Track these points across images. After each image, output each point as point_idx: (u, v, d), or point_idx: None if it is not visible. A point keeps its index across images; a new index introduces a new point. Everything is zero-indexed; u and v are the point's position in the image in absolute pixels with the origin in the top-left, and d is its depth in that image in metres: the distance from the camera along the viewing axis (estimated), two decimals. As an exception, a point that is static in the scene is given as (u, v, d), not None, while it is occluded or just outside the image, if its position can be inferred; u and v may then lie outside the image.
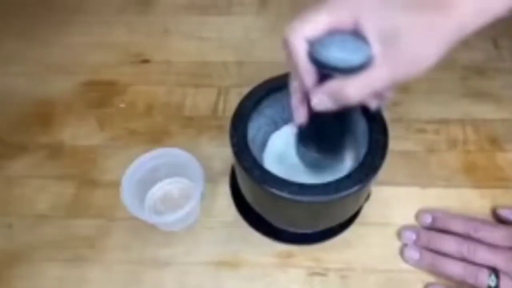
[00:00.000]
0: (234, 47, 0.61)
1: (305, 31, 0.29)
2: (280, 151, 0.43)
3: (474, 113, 0.53)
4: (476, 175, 0.48)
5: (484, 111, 0.53)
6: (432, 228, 0.43)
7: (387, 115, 0.38)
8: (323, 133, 0.35)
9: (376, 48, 0.27)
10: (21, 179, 0.50)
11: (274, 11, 0.66)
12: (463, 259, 0.39)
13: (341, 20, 0.28)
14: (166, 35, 0.64)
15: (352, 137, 0.38)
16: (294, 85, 0.34)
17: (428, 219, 0.43)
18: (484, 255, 0.38)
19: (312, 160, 0.38)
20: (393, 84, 0.28)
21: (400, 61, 0.27)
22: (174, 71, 0.59)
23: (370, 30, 0.27)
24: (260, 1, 0.67)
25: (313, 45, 0.28)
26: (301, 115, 0.34)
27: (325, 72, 0.29)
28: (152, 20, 0.66)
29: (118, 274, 0.43)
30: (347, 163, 0.41)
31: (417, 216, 0.44)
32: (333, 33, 0.28)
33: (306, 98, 0.32)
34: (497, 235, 0.40)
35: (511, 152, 0.49)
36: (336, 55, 0.27)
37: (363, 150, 0.36)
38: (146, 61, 0.60)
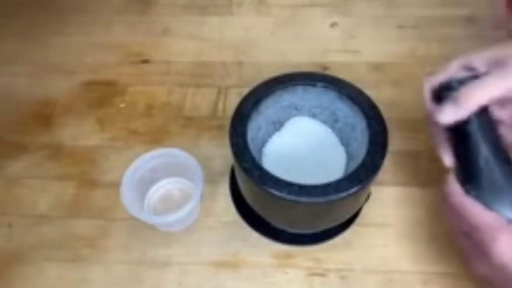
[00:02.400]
0: (234, 47, 0.61)
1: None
2: (280, 152, 0.43)
3: (474, 113, 0.52)
4: (476, 175, 0.47)
5: (484, 111, 0.53)
6: None
7: (387, 115, 0.38)
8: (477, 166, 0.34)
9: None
10: (21, 179, 0.50)
11: (273, 11, 0.66)
12: None
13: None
14: (166, 35, 0.64)
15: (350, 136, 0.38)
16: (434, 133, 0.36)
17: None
18: None
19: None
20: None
21: None
22: (174, 71, 0.59)
23: None
24: (260, 1, 0.67)
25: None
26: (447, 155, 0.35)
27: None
28: (152, 20, 0.66)
29: (118, 274, 0.43)
30: (341, 161, 0.41)
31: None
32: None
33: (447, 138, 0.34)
34: None
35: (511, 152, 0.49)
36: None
37: (362, 150, 0.36)
38: (146, 61, 0.60)
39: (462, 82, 0.33)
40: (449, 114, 0.32)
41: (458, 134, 0.35)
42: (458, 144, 0.36)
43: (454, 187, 0.35)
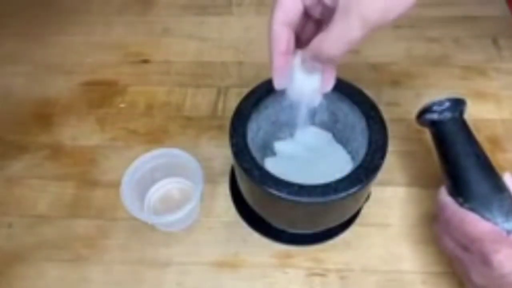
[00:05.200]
0: (234, 47, 0.61)
1: None
2: (285, 153, 0.43)
3: (474, 113, 0.52)
4: (476, 175, 0.48)
5: (484, 111, 0.53)
6: None
7: (387, 115, 0.38)
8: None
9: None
10: (21, 179, 0.50)
11: (274, 11, 0.66)
12: None
13: None
14: (166, 35, 0.64)
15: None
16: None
17: None
18: None
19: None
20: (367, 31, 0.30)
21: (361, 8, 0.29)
22: (174, 71, 0.59)
23: None
24: (260, 1, 0.67)
25: None
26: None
27: None
28: (152, 20, 0.66)
29: (118, 274, 0.43)
30: (347, 165, 0.41)
31: None
32: None
33: None
34: None
35: (511, 152, 0.49)
36: None
37: (362, 150, 0.36)
38: (146, 61, 0.60)
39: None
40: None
41: (442, 147, 0.36)
42: (443, 158, 0.37)
43: (448, 200, 0.35)
